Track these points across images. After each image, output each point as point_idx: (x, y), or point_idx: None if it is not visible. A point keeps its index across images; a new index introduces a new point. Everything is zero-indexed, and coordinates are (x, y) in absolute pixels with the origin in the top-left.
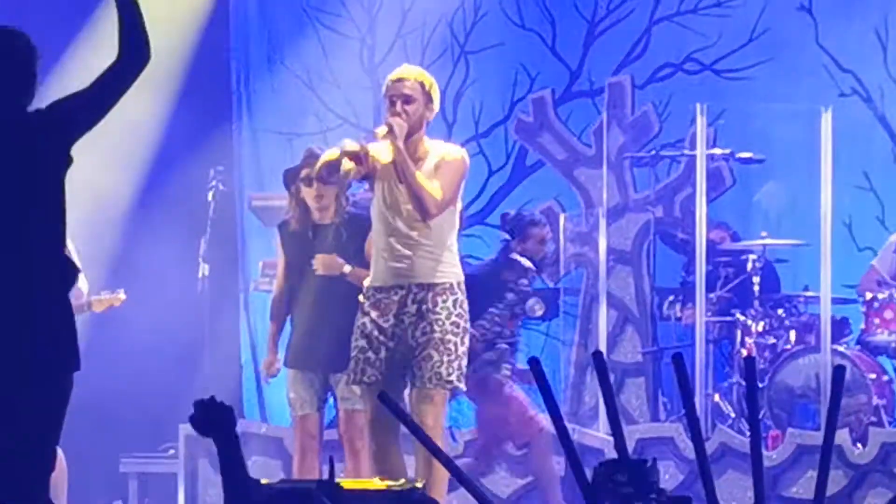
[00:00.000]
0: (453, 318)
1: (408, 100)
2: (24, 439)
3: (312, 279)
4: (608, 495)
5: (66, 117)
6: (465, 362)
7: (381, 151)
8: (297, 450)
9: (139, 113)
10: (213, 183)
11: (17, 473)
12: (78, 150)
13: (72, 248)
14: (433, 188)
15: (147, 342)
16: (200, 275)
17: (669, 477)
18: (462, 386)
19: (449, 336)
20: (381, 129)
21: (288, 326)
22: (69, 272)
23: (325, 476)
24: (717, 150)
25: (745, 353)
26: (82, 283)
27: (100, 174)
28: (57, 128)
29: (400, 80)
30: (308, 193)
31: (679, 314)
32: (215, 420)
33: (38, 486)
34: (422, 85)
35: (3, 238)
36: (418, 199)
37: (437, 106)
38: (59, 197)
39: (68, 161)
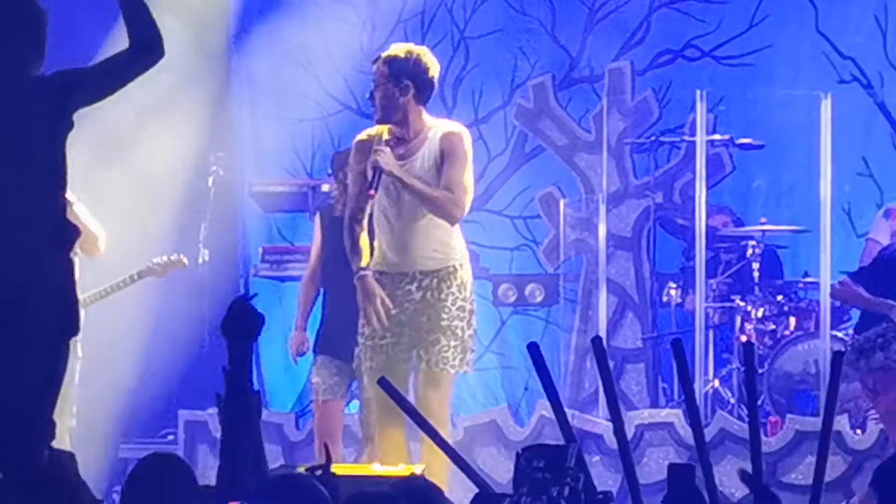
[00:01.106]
0: (459, 303)
1: (375, 87)
2: (20, 402)
3: (348, 267)
4: (526, 480)
5: (67, 90)
6: (471, 345)
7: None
8: (317, 435)
9: (140, 96)
10: (214, 168)
11: (12, 435)
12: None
13: (89, 217)
14: (446, 187)
15: (147, 328)
16: (200, 260)
17: (668, 463)
18: (469, 369)
19: (456, 322)
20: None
21: (318, 312)
22: (68, 234)
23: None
24: (717, 136)
25: (744, 339)
26: (102, 243)
27: (98, 159)
28: (57, 96)
29: (373, 63)
30: None
31: (679, 300)
32: (245, 326)
33: (36, 447)
34: (388, 67)
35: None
36: (438, 209)
37: (415, 84)
38: (56, 160)
39: (68, 126)
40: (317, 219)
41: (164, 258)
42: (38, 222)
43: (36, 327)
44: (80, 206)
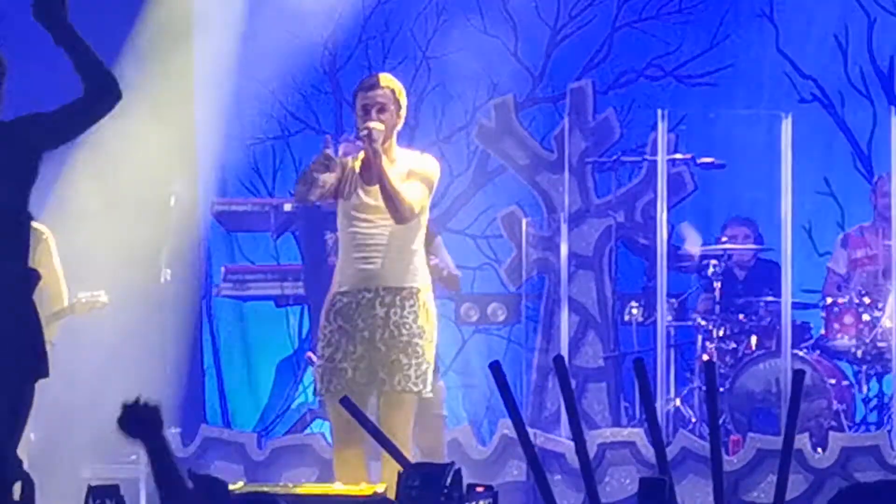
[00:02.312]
0: (420, 322)
1: (382, 108)
2: None
3: None
4: (404, 498)
5: (32, 135)
6: (432, 369)
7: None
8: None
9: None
10: (175, 188)
11: None
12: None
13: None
14: (408, 192)
15: (109, 348)
16: (162, 280)
17: (630, 482)
18: (430, 393)
19: (416, 340)
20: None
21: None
22: (30, 279)
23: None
24: (678, 156)
25: (706, 357)
26: (64, 290)
27: (62, 178)
28: (17, 144)
29: (373, 87)
30: None
31: (641, 319)
32: (143, 420)
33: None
34: (393, 93)
35: None
36: (394, 202)
37: (405, 113)
38: (18, 207)
39: (32, 175)
40: None
41: (89, 295)
42: (1, 266)
43: (1, 374)
44: (51, 241)
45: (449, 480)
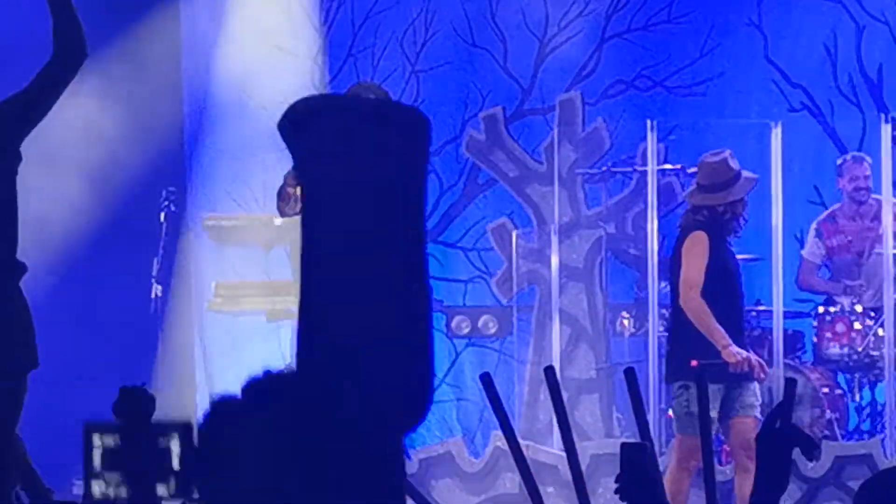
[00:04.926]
0: None
1: None
2: None
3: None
4: None
5: (9, 123)
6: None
7: None
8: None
9: (92, 133)
10: (166, 204)
11: None
12: (30, 170)
13: None
14: None
15: (100, 362)
16: (153, 295)
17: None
18: None
19: None
20: None
21: None
22: (18, 269)
23: None
24: (668, 166)
25: (694, 363)
26: None
27: (52, 193)
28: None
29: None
30: None
31: (633, 330)
32: (133, 406)
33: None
34: None
35: None
36: None
37: None
38: (7, 194)
39: (16, 159)
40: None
41: None
42: None
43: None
44: None
45: None
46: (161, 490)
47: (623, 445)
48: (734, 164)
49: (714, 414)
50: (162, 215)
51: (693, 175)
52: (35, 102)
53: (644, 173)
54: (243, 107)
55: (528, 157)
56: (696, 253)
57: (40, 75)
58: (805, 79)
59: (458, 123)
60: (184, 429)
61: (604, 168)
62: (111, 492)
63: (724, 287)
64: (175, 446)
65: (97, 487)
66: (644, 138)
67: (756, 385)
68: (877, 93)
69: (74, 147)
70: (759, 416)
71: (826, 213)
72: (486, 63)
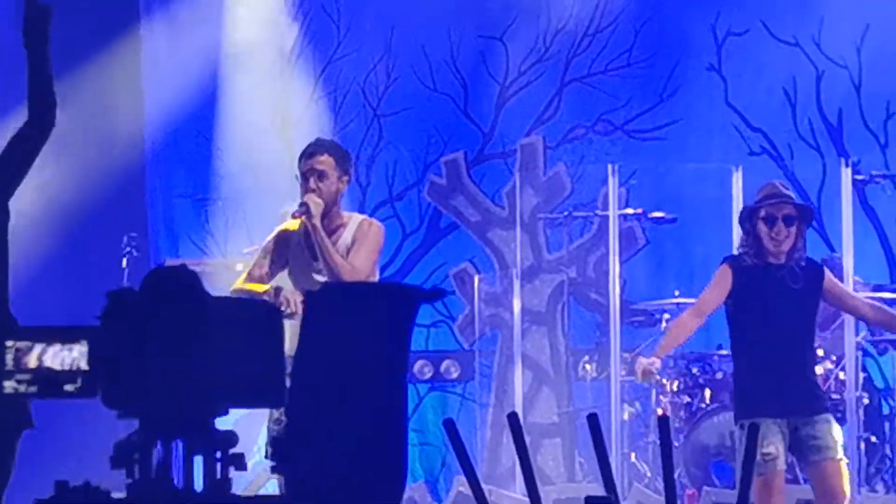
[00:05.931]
0: None
1: (322, 175)
2: None
3: None
4: None
5: None
6: None
7: (292, 222)
8: None
9: (52, 178)
10: (127, 249)
11: None
12: None
13: None
14: (353, 261)
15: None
16: None
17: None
18: None
19: None
20: (293, 209)
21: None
22: (11, 325)
23: None
24: (630, 210)
25: (660, 412)
26: None
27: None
28: None
29: (312, 155)
30: None
31: (594, 374)
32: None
33: None
34: (335, 159)
35: None
36: (335, 275)
37: (351, 176)
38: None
39: (4, 215)
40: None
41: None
42: None
43: None
44: None
45: None
46: (68, 387)
47: (587, 500)
48: None
49: (774, 450)
50: (124, 261)
51: (654, 219)
52: (20, 163)
53: (605, 217)
54: (203, 151)
55: (490, 201)
56: None
57: (18, 138)
58: (765, 123)
59: (419, 168)
60: (93, 333)
61: (565, 212)
62: (22, 388)
63: None
64: (83, 349)
65: (9, 385)
66: (605, 182)
67: (835, 425)
68: (837, 136)
69: (34, 192)
70: (837, 457)
71: None
72: (448, 108)
